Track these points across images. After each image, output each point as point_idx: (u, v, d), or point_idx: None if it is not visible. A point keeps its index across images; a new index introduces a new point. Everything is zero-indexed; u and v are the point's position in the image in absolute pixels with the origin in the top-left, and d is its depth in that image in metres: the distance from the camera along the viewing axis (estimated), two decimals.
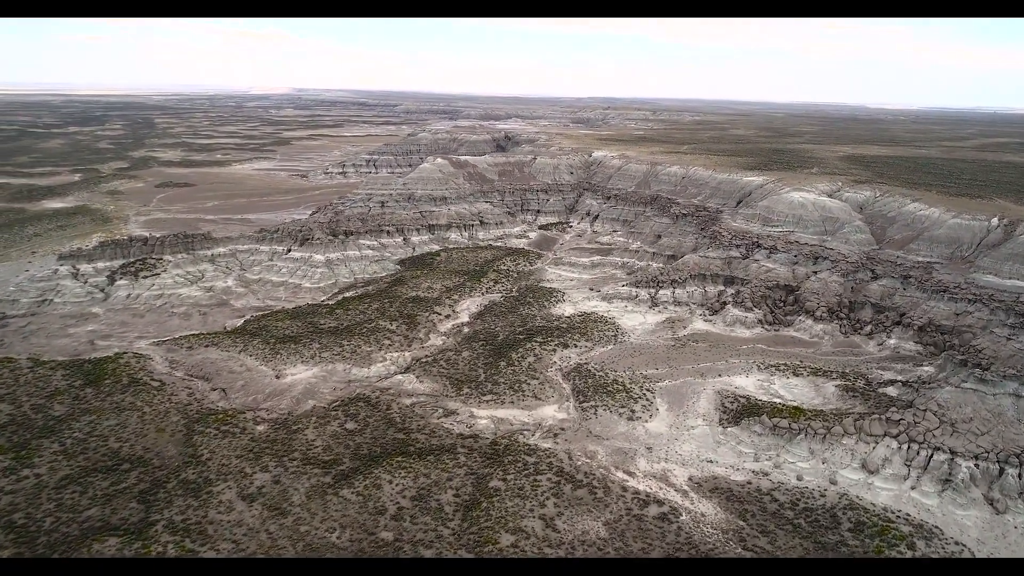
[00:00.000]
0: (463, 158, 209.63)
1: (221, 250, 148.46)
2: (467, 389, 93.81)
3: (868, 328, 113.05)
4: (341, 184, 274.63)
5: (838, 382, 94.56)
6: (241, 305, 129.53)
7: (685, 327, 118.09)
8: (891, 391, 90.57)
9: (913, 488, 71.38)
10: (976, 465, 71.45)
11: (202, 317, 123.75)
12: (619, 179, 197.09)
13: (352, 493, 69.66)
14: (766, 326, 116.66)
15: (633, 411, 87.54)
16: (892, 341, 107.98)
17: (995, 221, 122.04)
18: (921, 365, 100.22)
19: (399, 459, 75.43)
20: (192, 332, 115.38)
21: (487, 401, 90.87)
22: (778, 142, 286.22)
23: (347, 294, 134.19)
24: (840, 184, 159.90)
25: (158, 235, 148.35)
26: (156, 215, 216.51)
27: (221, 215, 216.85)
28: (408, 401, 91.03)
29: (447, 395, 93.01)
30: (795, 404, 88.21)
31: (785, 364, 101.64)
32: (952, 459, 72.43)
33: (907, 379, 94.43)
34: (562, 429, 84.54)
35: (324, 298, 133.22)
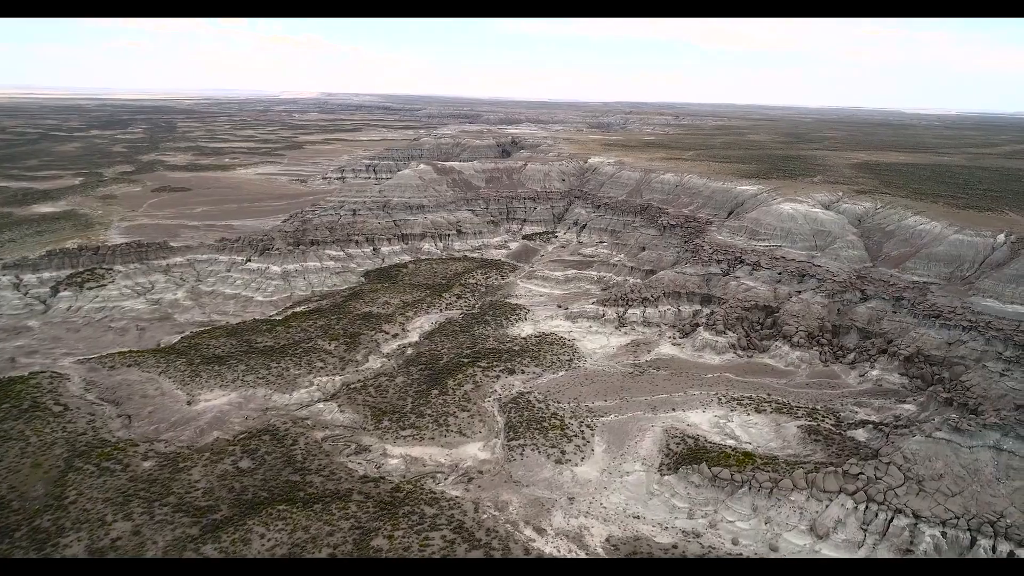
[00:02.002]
0: (449, 164, 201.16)
1: (178, 260, 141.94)
2: (387, 422, 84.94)
3: (851, 356, 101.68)
4: (338, 190, 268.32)
5: (803, 422, 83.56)
6: (184, 320, 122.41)
7: (650, 351, 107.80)
8: (860, 434, 79.39)
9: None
10: (943, 533, 60.46)
11: (139, 332, 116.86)
12: (611, 187, 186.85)
13: (215, 549, 61.16)
14: (739, 351, 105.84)
15: (564, 452, 77.79)
16: (875, 372, 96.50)
17: (1001, 237, 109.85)
18: (904, 401, 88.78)
19: (282, 507, 66.79)
20: (124, 349, 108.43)
21: (405, 436, 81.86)
22: (793, 148, 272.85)
23: (298, 309, 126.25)
24: (840, 194, 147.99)
25: (110, 244, 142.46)
26: (140, 220, 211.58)
27: (206, 221, 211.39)
28: (320, 435, 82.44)
29: (365, 428, 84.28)
30: (748, 448, 77.64)
31: (750, 397, 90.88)
32: (915, 524, 61.54)
33: (881, 419, 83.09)
34: (480, 472, 75.20)
35: (274, 312, 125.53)
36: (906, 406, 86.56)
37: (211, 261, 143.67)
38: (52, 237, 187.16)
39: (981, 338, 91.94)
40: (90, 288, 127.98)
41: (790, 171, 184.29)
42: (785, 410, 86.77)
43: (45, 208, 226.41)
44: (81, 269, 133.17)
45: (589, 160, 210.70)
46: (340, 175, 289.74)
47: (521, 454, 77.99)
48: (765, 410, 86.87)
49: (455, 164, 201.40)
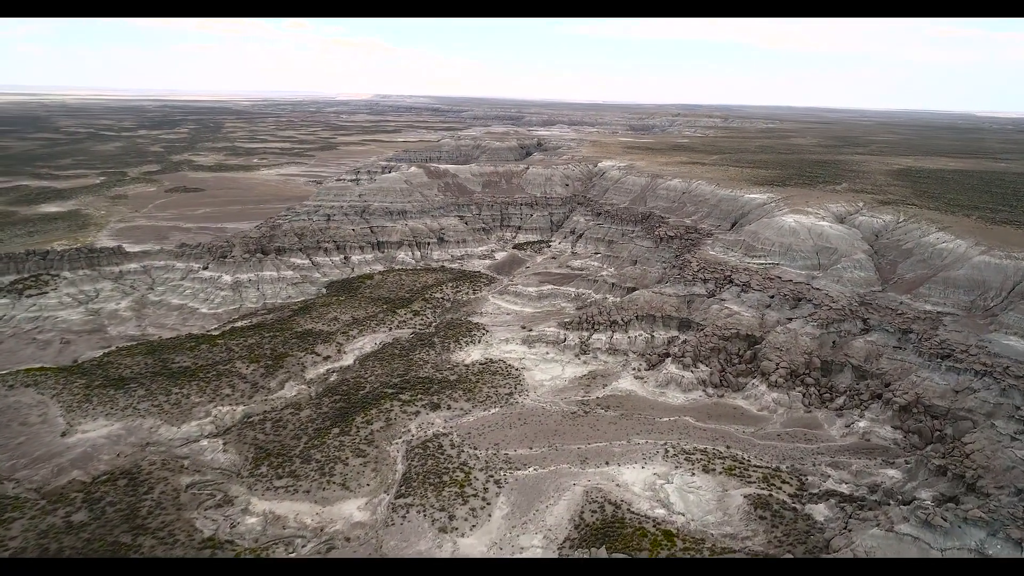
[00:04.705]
0: (443, 167, 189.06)
1: (132, 266, 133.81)
2: (266, 467, 73.17)
3: (840, 400, 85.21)
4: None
5: (755, 489, 68.09)
6: (116, 333, 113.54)
7: (606, 385, 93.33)
8: (820, 511, 63.61)
9: None
10: None
11: (62, 346, 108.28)
12: (615, 193, 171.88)
13: None
14: (709, 389, 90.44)
15: (453, 516, 64.60)
16: (863, 423, 80.00)
17: None
18: (891, 464, 72.31)
19: None
20: (37, 365, 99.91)
21: (278, 488, 69.87)
22: (832, 153, 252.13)
23: (240, 323, 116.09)
24: (860, 205, 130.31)
25: (59, 249, 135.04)
26: (138, 222, 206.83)
27: (201, 223, 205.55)
28: (187, 480, 71.33)
29: (240, 474, 72.72)
30: (678, 522, 62.87)
31: (703, 451, 75.81)
32: None
33: (854, 490, 67.09)
34: (347, 540, 62.63)
35: (214, 326, 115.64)
36: (891, 472, 70.10)
37: (168, 268, 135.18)
38: (42, 238, 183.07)
39: (996, 387, 74.84)
40: (29, 296, 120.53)
41: (813, 178, 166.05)
42: (739, 471, 71.32)
43: (51, 208, 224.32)
44: (26, 275, 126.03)
45: (599, 164, 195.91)
46: (355, 177, 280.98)
47: (404, 517, 65.15)
48: (715, 469, 71.69)
49: (449, 167, 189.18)
